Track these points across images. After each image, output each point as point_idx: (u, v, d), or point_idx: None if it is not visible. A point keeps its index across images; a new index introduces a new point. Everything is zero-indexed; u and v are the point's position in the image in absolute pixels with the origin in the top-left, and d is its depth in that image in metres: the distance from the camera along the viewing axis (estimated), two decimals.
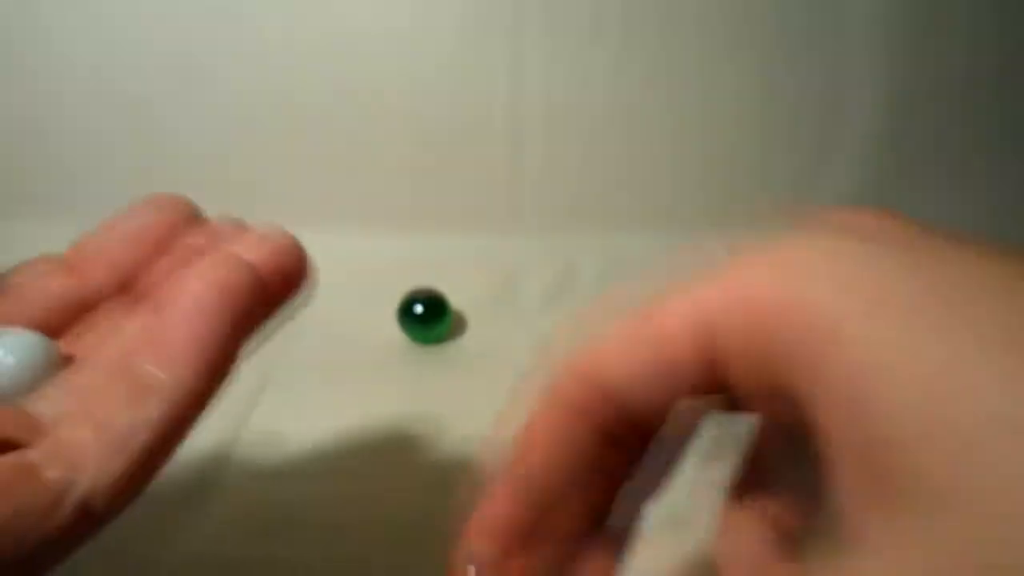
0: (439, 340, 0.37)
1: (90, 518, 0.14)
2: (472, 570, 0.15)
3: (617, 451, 0.15)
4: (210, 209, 0.21)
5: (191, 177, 0.46)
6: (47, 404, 0.16)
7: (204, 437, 0.17)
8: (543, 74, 0.46)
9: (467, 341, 0.37)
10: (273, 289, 0.16)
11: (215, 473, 0.28)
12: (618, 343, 0.14)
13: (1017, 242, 0.12)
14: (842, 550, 0.11)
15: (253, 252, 0.16)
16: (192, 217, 0.20)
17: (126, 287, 0.20)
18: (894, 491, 0.10)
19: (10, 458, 0.14)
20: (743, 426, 0.14)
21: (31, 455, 0.15)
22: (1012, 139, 0.49)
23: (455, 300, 0.38)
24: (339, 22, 0.45)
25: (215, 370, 0.16)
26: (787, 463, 0.15)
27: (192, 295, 0.16)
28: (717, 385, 0.13)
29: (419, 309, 0.37)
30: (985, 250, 0.11)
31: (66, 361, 0.18)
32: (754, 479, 0.14)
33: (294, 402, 0.32)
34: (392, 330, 0.37)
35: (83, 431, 0.15)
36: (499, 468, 0.16)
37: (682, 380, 0.14)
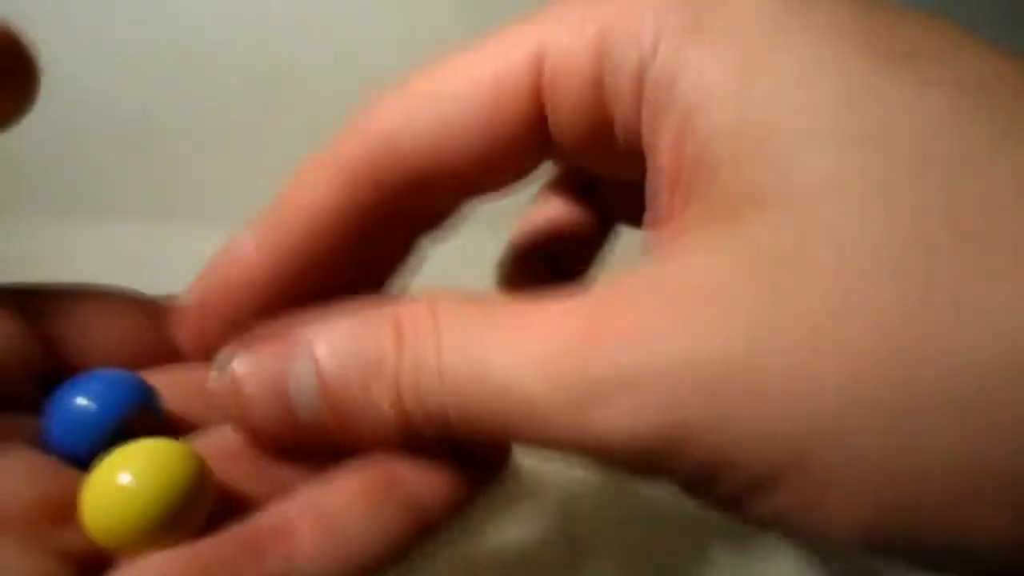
0: None
1: None
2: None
3: (411, 208, 0.14)
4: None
5: (192, 177, 0.47)
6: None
7: None
8: None
9: None
10: None
11: None
12: (432, 80, 0.13)
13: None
14: (647, 263, 0.11)
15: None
16: None
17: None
18: (716, 202, 0.10)
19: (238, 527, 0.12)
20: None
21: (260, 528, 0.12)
22: None
23: None
24: (339, 22, 0.45)
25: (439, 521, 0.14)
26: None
27: None
28: (539, 137, 0.13)
29: None
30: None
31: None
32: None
33: None
34: None
35: (315, 523, 0.12)
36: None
37: (505, 125, 0.12)
